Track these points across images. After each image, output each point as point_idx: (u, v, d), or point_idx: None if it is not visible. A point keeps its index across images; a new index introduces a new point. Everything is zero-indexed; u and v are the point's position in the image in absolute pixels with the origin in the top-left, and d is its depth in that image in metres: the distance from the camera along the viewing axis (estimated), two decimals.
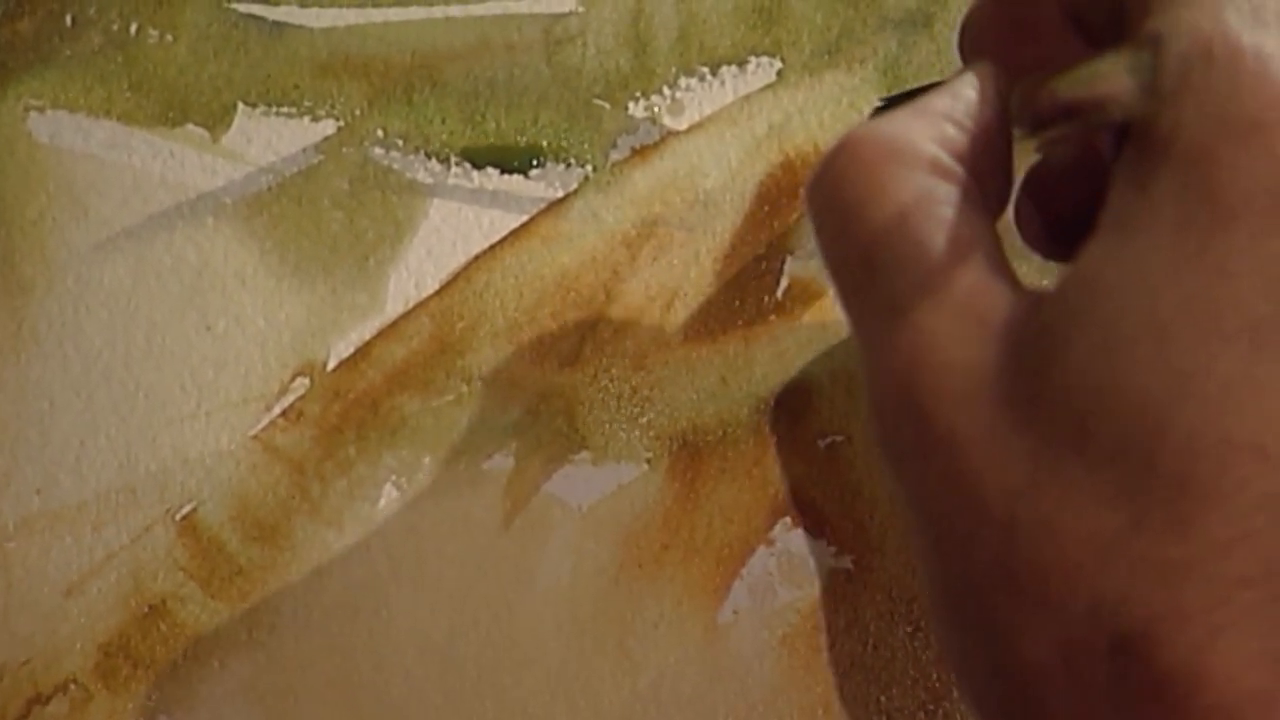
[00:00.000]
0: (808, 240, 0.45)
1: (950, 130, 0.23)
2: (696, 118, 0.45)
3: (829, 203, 0.23)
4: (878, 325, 0.22)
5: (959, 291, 0.22)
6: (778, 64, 0.46)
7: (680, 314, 0.45)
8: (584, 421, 0.44)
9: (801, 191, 0.24)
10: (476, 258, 0.45)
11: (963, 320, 0.21)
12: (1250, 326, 0.19)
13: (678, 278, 0.45)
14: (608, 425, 0.44)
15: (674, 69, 0.45)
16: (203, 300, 0.45)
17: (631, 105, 0.45)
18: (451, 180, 0.45)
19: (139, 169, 0.46)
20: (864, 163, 0.23)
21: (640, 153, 0.45)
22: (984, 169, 0.23)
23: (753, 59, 0.46)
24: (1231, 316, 0.19)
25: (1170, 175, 0.20)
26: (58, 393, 0.44)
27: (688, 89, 0.46)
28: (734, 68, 0.46)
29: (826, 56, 0.45)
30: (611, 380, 0.45)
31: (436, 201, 0.45)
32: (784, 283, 0.45)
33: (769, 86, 0.45)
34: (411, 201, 0.45)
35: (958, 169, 0.23)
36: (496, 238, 0.45)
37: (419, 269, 0.45)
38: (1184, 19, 0.21)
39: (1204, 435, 0.19)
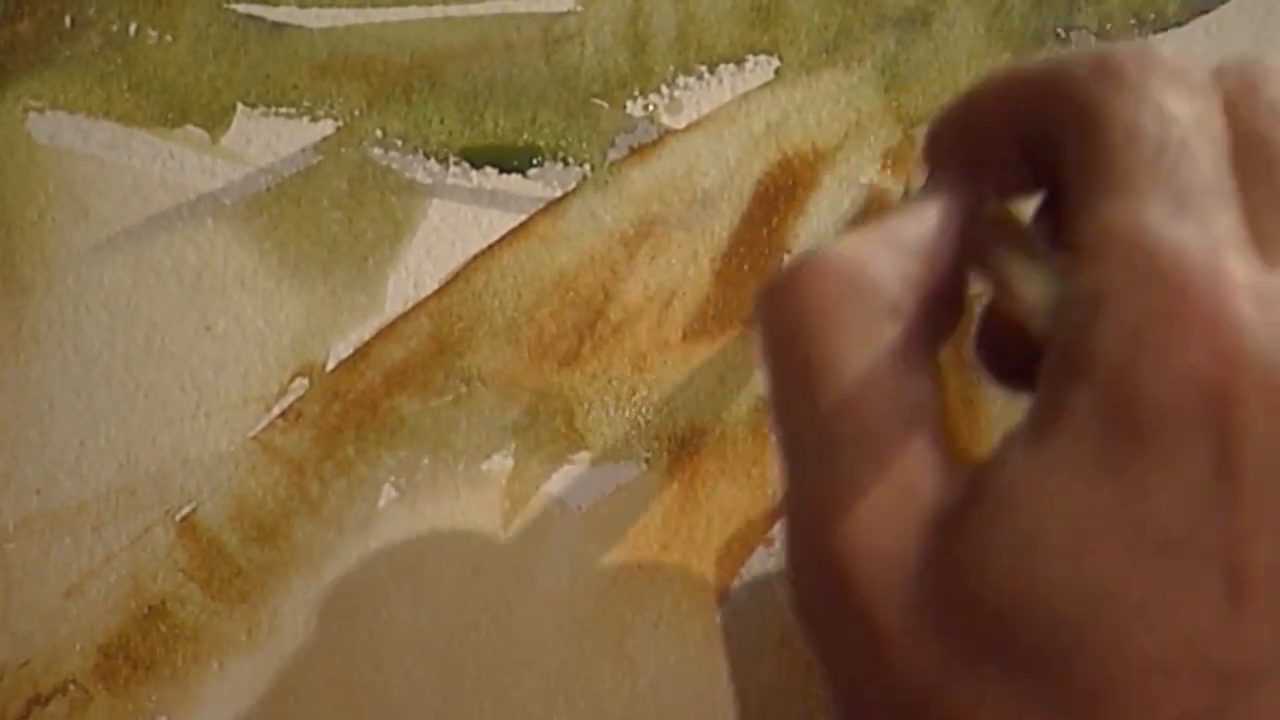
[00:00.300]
0: (806, 238, 0.44)
1: (914, 267, 0.22)
2: (695, 116, 0.45)
3: (782, 329, 0.22)
4: (809, 482, 0.22)
5: (900, 474, 0.21)
6: (776, 62, 0.45)
7: (679, 313, 0.45)
8: (583, 421, 0.44)
9: (754, 295, 0.23)
10: (475, 258, 0.45)
11: (898, 506, 0.21)
12: (1164, 545, 0.19)
13: (676, 277, 0.45)
14: (606, 425, 0.44)
15: (672, 68, 0.45)
16: (202, 301, 0.45)
17: (630, 104, 0.45)
18: (450, 180, 0.45)
19: (138, 170, 0.46)
20: (824, 297, 0.22)
21: (638, 151, 0.45)
22: (941, 303, 0.23)
23: (751, 58, 0.45)
24: (1147, 535, 0.19)
25: (1089, 390, 0.20)
26: (57, 393, 0.44)
27: (686, 88, 0.45)
28: (732, 66, 0.45)
29: (824, 55, 0.45)
30: (610, 380, 0.45)
31: (435, 201, 0.45)
32: None
33: (767, 85, 0.45)
34: (410, 201, 0.45)
35: (916, 312, 0.22)
36: (495, 237, 0.45)
37: (418, 269, 0.45)
38: (1105, 216, 0.20)
39: (1118, 652, 0.19)
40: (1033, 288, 0.21)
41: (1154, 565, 0.19)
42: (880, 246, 0.22)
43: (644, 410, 0.44)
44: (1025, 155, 0.23)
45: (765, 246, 0.45)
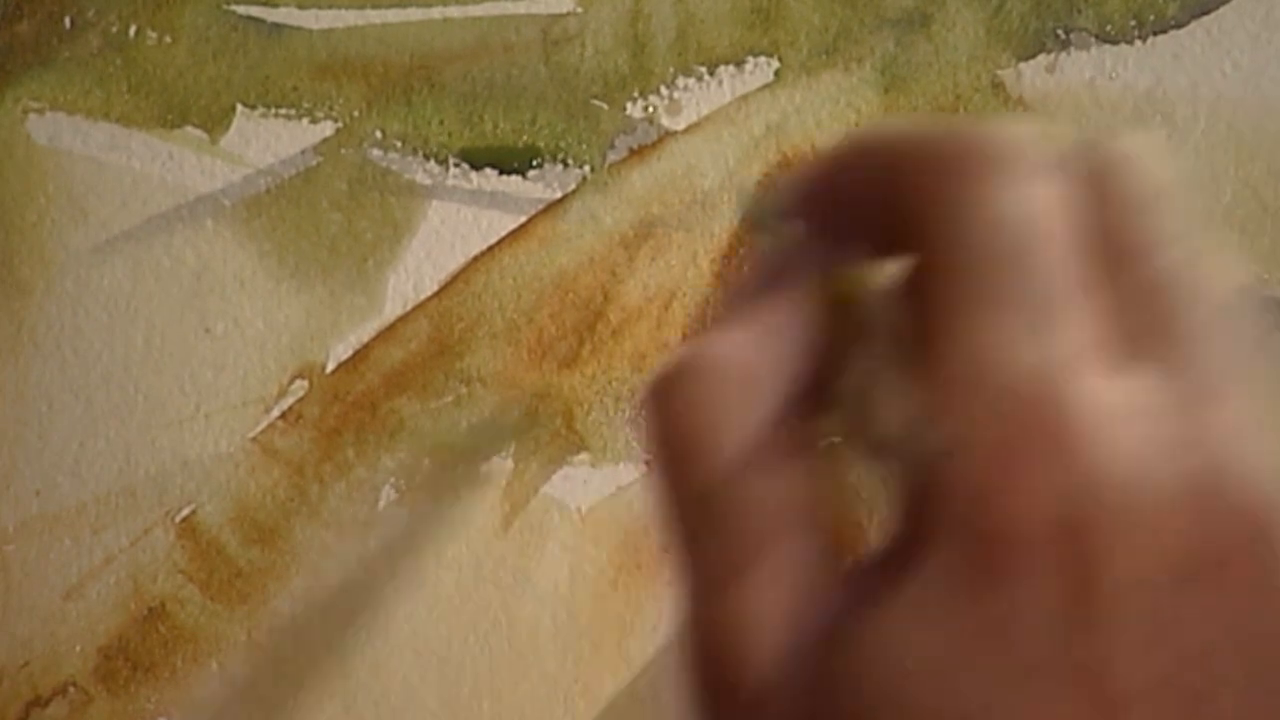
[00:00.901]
0: None
1: (780, 349, 0.22)
2: (694, 118, 0.45)
3: (671, 426, 0.22)
4: (690, 588, 0.22)
5: (783, 576, 0.21)
6: (775, 64, 0.45)
7: (679, 314, 0.45)
8: (583, 423, 0.44)
9: (640, 394, 0.23)
10: (475, 259, 0.45)
11: (777, 613, 0.21)
12: (1027, 672, 0.19)
13: (676, 278, 0.45)
14: (606, 427, 0.44)
15: (672, 69, 0.45)
16: (202, 303, 0.45)
17: (629, 105, 0.45)
18: (450, 181, 0.45)
19: (138, 171, 0.46)
20: (712, 393, 0.22)
21: (638, 153, 0.45)
22: (818, 377, 0.23)
23: (750, 59, 0.45)
24: (1009, 663, 0.19)
25: (943, 524, 0.20)
26: (56, 395, 0.44)
27: (685, 89, 0.45)
28: (731, 68, 0.45)
29: (824, 56, 0.45)
30: (610, 381, 0.44)
31: (435, 203, 0.45)
32: None
33: (766, 86, 0.45)
34: (410, 203, 0.45)
35: (800, 398, 0.22)
36: (495, 239, 0.45)
37: (417, 270, 0.45)
38: (953, 337, 0.20)
39: None
40: (885, 418, 0.21)
41: (1018, 693, 0.19)
42: (760, 337, 0.22)
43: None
44: (883, 222, 0.23)
45: None
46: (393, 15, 0.46)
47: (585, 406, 0.44)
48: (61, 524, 0.44)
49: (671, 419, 0.22)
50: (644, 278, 0.45)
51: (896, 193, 0.22)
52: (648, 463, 0.22)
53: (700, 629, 0.21)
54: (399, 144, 0.46)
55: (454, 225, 0.45)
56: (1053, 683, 0.19)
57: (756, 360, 0.22)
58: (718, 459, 0.21)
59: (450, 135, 0.46)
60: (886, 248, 0.23)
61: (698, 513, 0.21)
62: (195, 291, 0.45)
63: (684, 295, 0.45)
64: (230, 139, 0.46)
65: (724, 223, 0.45)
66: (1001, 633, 0.19)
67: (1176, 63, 0.44)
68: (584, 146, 0.45)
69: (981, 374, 0.20)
